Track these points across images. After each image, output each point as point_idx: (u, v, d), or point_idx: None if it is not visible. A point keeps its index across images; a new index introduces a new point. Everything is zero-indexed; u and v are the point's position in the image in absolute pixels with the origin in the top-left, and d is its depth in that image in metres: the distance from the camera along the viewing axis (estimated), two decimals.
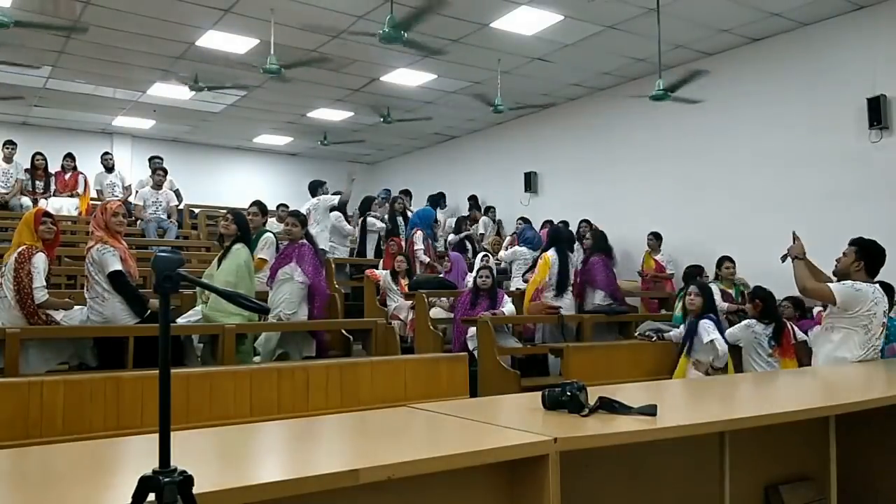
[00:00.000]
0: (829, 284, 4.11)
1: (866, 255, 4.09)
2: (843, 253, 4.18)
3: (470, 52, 8.50)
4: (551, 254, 6.88)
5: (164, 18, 7.61)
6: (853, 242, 4.20)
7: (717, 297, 6.79)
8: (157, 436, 1.25)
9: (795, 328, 5.67)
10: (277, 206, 9.79)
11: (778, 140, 7.90)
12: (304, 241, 5.52)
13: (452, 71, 9.33)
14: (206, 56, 8.71)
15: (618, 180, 9.78)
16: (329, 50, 8.43)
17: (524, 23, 7.70)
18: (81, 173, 9.91)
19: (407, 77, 9.61)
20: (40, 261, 4.46)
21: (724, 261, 7.14)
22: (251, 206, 6.31)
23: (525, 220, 10.00)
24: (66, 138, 11.97)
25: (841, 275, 4.17)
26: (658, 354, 5.60)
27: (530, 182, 11.33)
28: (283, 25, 7.54)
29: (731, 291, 7.00)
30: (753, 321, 5.65)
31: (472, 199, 11.72)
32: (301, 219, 5.68)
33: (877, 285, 4.14)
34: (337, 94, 10.48)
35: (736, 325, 5.82)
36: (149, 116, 12.02)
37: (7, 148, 9.45)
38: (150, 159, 10.28)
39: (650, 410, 2.10)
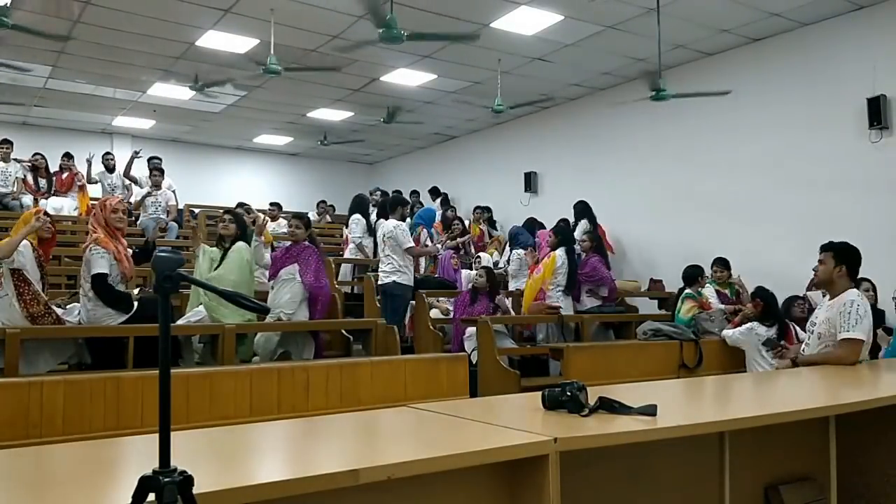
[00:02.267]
0: (853, 335, 3.69)
1: (846, 259, 3.87)
2: (820, 261, 3.93)
3: (470, 52, 8.50)
4: (560, 253, 6.90)
5: (164, 18, 7.61)
6: (827, 248, 3.94)
7: (713, 297, 6.84)
8: (157, 436, 1.25)
9: (797, 328, 5.66)
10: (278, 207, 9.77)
11: (778, 140, 7.90)
12: (308, 242, 5.53)
13: (452, 71, 9.33)
14: (206, 56, 8.70)
15: (618, 180, 9.78)
16: (329, 50, 8.43)
17: (524, 23, 7.69)
18: (79, 172, 9.92)
19: (407, 77, 9.61)
20: (26, 246, 4.42)
21: (714, 264, 7.11)
22: (236, 207, 6.43)
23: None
24: (65, 138, 11.95)
25: (822, 283, 3.98)
26: (658, 354, 5.60)
27: (530, 182, 11.33)
28: (283, 25, 7.53)
29: (727, 292, 7.03)
30: (756, 324, 5.63)
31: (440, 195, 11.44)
32: (305, 221, 5.71)
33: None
34: (337, 94, 10.47)
35: (737, 330, 5.79)
36: (149, 116, 12.01)
37: (4, 147, 9.45)
38: (149, 160, 10.30)
39: (650, 410, 2.10)
